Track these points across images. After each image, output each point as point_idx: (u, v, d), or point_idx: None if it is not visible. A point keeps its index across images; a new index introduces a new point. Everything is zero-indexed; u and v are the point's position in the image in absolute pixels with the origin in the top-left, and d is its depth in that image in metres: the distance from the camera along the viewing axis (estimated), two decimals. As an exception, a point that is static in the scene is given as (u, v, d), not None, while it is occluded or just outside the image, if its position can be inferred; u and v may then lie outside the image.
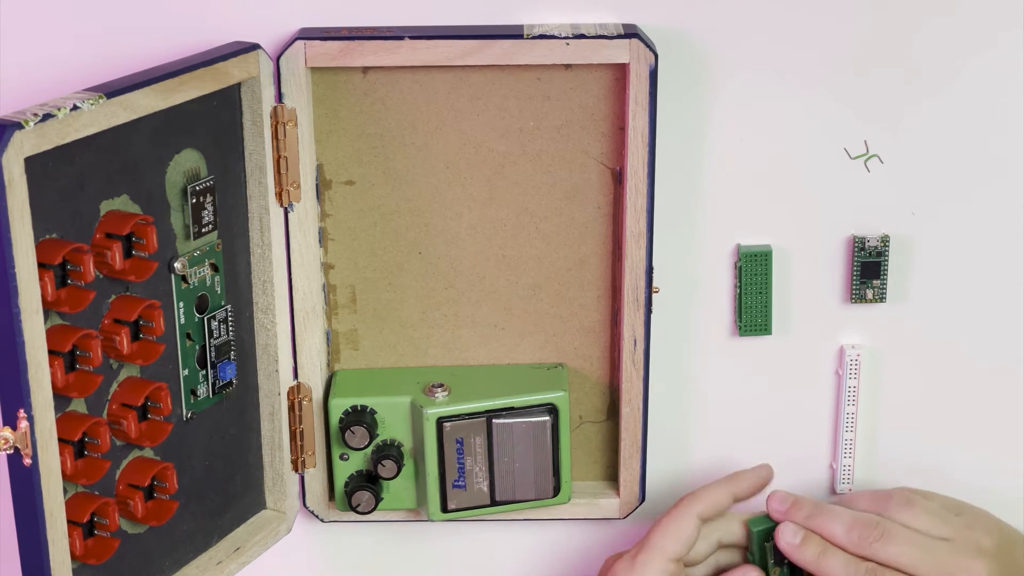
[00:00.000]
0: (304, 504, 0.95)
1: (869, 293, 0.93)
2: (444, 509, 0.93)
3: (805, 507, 0.89)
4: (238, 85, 0.85)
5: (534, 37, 0.85)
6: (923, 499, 0.90)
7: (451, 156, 0.90)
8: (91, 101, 0.74)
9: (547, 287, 0.93)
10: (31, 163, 0.71)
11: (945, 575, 0.86)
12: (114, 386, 0.81)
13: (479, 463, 0.92)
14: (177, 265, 0.83)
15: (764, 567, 0.89)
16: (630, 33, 0.85)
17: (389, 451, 0.92)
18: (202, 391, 0.87)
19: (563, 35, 0.85)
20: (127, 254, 0.79)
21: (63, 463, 0.76)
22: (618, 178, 0.90)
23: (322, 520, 0.95)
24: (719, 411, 0.96)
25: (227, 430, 0.90)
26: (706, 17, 0.88)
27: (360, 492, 0.93)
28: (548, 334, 0.94)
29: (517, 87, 0.88)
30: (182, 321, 0.85)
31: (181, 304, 0.85)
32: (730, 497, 0.90)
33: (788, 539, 0.88)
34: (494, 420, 0.91)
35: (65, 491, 0.76)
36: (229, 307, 0.88)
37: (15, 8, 0.86)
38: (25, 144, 0.70)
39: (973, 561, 0.86)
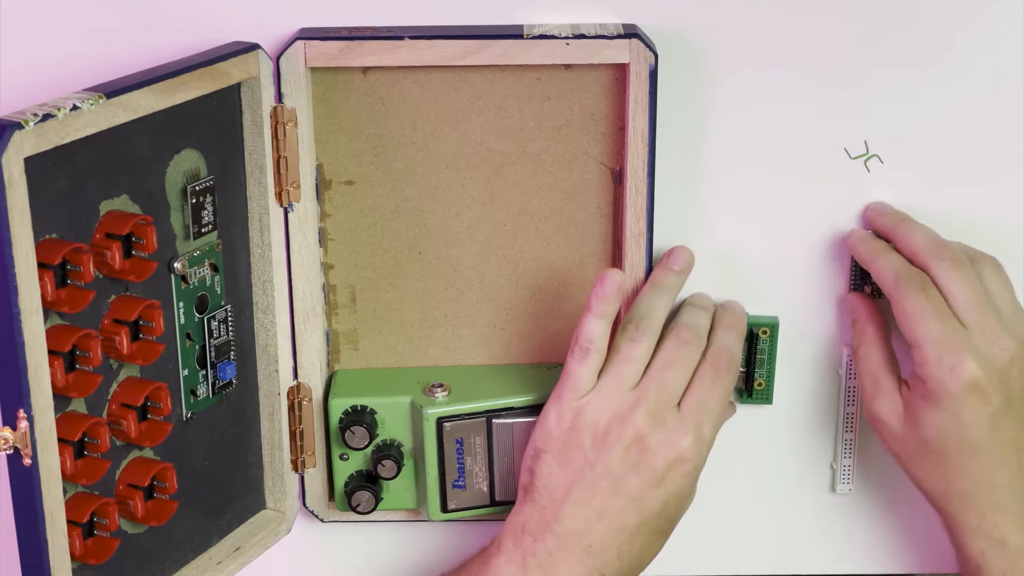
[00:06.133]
0: (304, 504, 0.95)
1: (869, 293, 0.93)
2: (444, 509, 0.93)
3: (897, 215, 0.89)
4: (238, 85, 0.85)
5: (534, 37, 0.85)
6: (1010, 281, 0.87)
7: (451, 156, 0.90)
8: (91, 101, 0.74)
9: (547, 287, 0.93)
10: (31, 163, 0.71)
11: (978, 326, 0.84)
12: (114, 386, 0.81)
13: (479, 463, 0.92)
14: (177, 265, 0.83)
15: None
16: (630, 33, 0.85)
17: (389, 451, 0.92)
18: (202, 391, 0.87)
19: (563, 35, 0.85)
20: (127, 254, 0.79)
21: (63, 463, 0.76)
22: (618, 178, 0.90)
23: (322, 520, 0.95)
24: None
25: (227, 430, 0.90)
26: (706, 17, 0.88)
27: (360, 492, 0.93)
28: (548, 334, 0.94)
29: (517, 87, 0.88)
30: (182, 321, 0.85)
31: (181, 304, 0.85)
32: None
33: (856, 234, 0.90)
34: (494, 420, 0.91)
35: (65, 491, 0.76)
36: (229, 307, 0.88)
37: (15, 8, 0.86)
38: (25, 144, 0.70)
39: (1009, 339, 0.84)
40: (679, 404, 0.85)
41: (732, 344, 0.88)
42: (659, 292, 0.88)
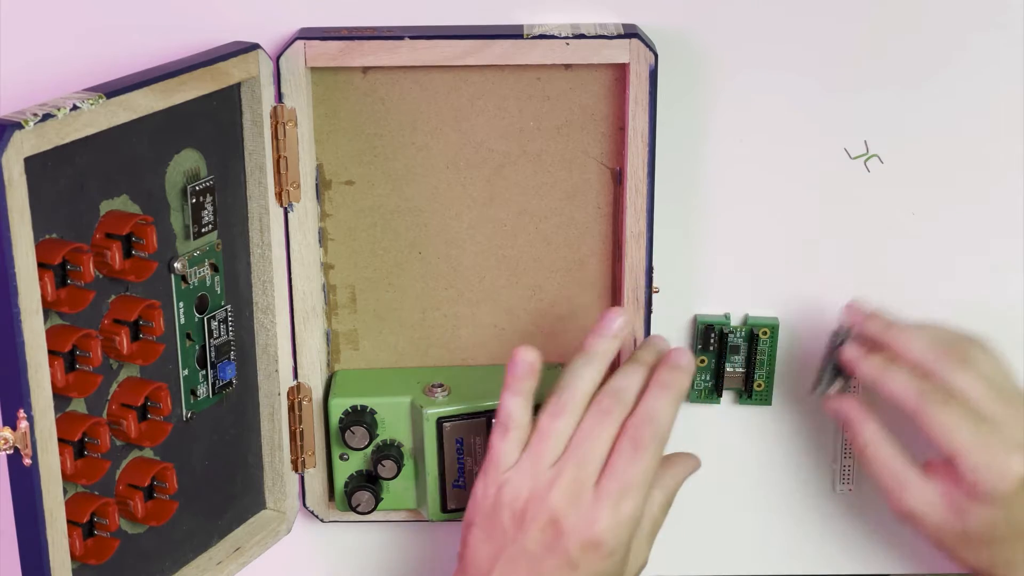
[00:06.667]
0: (304, 504, 0.95)
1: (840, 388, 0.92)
2: (444, 509, 0.93)
3: (883, 319, 0.87)
4: (238, 85, 0.85)
5: (534, 37, 0.85)
6: (999, 353, 0.86)
7: (451, 156, 0.90)
8: (91, 101, 0.74)
9: (547, 287, 0.93)
10: (31, 163, 0.71)
11: (1010, 418, 0.83)
12: (114, 386, 0.81)
13: (479, 463, 0.92)
14: (177, 265, 0.83)
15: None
16: (630, 33, 0.85)
17: (389, 451, 0.92)
18: (202, 391, 0.87)
19: (563, 35, 0.85)
20: (127, 254, 0.79)
21: (63, 463, 0.76)
22: (618, 178, 0.90)
23: (322, 520, 0.95)
24: (718, 410, 0.96)
25: (227, 430, 0.90)
26: (706, 17, 0.88)
27: (360, 492, 0.93)
28: (548, 334, 0.94)
29: (517, 87, 0.88)
30: (182, 321, 0.85)
31: (181, 304, 0.85)
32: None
33: (852, 351, 0.87)
34: (494, 420, 0.91)
35: (65, 491, 0.76)
36: (229, 307, 0.88)
37: (15, 8, 0.86)
38: (25, 144, 0.70)
39: (1011, 455, 0.83)
40: (597, 482, 0.82)
41: (659, 410, 0.82)
42: (586, 361, 0.85)
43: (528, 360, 0.84)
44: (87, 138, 0.74)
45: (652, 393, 0.83)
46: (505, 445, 0.84)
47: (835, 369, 0.90)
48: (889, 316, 0.88)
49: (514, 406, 0.84)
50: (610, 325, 0.86)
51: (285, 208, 0.89)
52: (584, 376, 0.84)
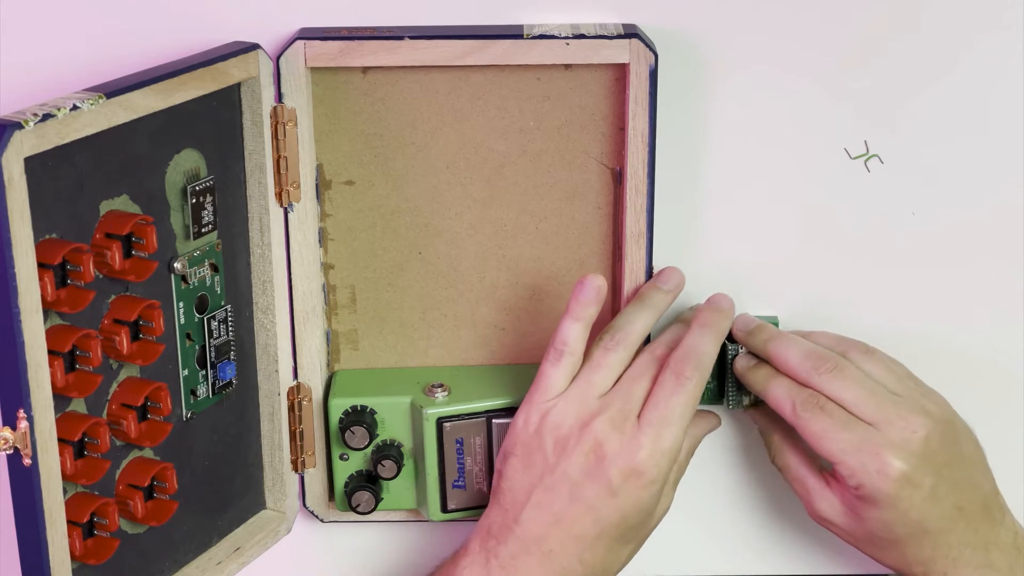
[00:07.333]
0: (304, 504, 0.95)
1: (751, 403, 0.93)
2: (444, 509, 0.93)
3: (764, 332, 0.89)
4: (238, 85, 0.85)
5: (534, 37, 0.85)
6: (885, 355, 0.88)
7: (451, 156, 0.90)
8: (91, 101, 0.74)
9: (547, 287, 0.93)
10: (31, 163, 0.71)
11: (884, 420, 0.84)
12: (114, 386, 0.81)
13: (479, 463, 0.92)
14: (177, 265, 0.83)
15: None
16: (630, 33, 0.85)
17: (389, 451, 0.92)
18: (202, 391, 0.87)
19: (563, 35, 0.85)
20: (127, 254, 0.79)
21: (63, 463, 0.76)
22: (618, 178, 0.90)
23: (322, 520, 0.95)
24: (719, 410, 0.96)
25: (227, 430, 0.90)
26: (706, 17, 0.88)
27: (360, 492, 0.93)
28: (548, 334, 0.93)
29: (517, 87, 0.88)
30: (182, 321, 0.85)
31: (181, 304, 0.85)
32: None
33: (741, 363, 0.89)
34: (494, 420, 0.91)
35: (65, 491, 0.76)
36: (229, 307, 0.88)
37: (15, 8, 0.86)
38: (25, 144, 0.70)
39: (916, 416, 0.84)
40: (640, 413, 0.84)
41: (701, 346, 0.85)
42: (642, 307, 0.88)
43: (596, 285, 0.85)
44: (87, 138, 0.74)
45: (694, 331, 0.86)
46: (557, 372, 0.86)
47: (736, 382, 0.91)
48: (771, 329, 0.89)
49: (572, 333, 0.86)
50: (667, 280, 0.89)
51: (285, 208, 0.89)
52: (639, 318, 0.87)
